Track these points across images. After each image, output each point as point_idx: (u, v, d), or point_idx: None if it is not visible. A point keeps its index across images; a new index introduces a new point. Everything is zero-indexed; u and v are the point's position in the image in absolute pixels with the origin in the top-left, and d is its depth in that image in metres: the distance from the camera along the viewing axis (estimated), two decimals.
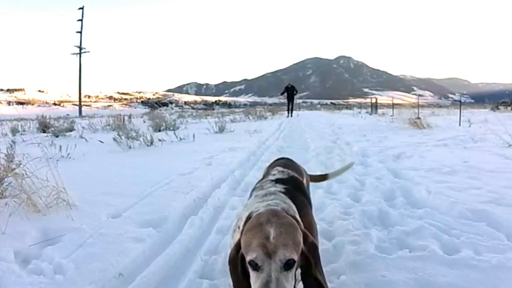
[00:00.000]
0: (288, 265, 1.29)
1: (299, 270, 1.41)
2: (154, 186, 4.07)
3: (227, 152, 6.64)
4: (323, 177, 3.08)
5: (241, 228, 1.52)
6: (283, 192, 1.76)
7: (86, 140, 8.88)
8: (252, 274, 1.31)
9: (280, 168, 2.15)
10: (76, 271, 2.18)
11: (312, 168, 5.24)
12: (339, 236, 2.73)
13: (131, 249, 2.51)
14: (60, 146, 6.29)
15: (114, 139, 7.48)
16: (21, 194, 3.06)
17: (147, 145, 7.53)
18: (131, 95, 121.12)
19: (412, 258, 2.30)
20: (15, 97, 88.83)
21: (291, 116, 21.72)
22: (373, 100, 26.94)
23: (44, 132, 11.62)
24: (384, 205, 3.40)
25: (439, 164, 5.00)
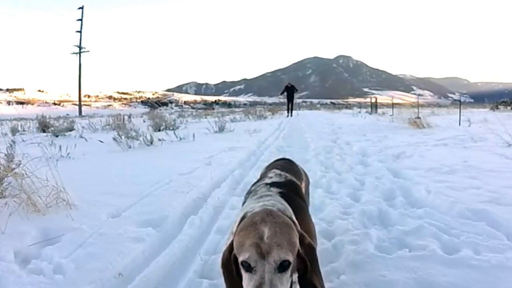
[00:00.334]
0: (282, 266, 1.23)
1: (296, 274, 1.38)
2: (154, 186, 4.07)
3: (227, 151, 6.64)
4: None
5: (234, 229, 1.45)
6: (279, 196, 1.68)
7: (86, 139, 8.88)
8: (245, 275, 1.26)
9: (278, 171, 2.06)
10: (76, 271, 2.18)
11: (312, 168, 5.24)
12: (339, 235, 2.73)
13: (130, 249, 2.52)
14: (60, 146, 6.29)
15: (114, 139, 7.48)
16: (21, 194, 3.06)
17: (147, 145, 7.53)
18: (131, 94, 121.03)
19: (412, 258, 2.30)
20: (15, 96, 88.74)
21: (291, 115, 21.69)
22: (373, 100, 26.94)
23: (44, 131, 11.63)
24: (384, 205, 3.40)
25: (438, 164, 5.00)
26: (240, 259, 1.26)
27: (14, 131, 11.59)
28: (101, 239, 2.62)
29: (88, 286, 2.05)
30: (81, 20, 42.03)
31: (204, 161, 5.68)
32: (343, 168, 5.18)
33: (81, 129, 11.73)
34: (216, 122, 11.24)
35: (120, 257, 2.38)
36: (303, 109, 46.27)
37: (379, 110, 24.20)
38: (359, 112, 25.86)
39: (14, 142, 4.30)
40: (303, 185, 2.18)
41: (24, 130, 12.18)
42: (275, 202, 1.58)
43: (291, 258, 1.25)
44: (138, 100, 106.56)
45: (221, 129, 10.70)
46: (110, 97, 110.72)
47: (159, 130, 10.99)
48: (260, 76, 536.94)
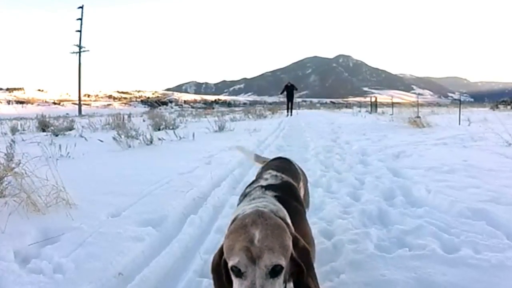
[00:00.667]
0: (274, 271, 1.18)
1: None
2: (154, 185, 4.07)
3: (227, 151, 6.64)
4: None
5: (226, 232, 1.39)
6: (275, 200, 1.61)
7: (85, 139, 8.88)
8: (235, 281, 1.21)
9: (274, 172, 1.98)
10: (76, 271, 2.18)
11: (311, 167, 5.24)
12: (339, 235, 2.73)
13: (130, 248, 2.52)
14: (60, 145, 6.29)
15: (114, 138, 7.49)
16: (20, 193, 3.06)
17: (147, 144, 7.53)
18: (131, 94, 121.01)
19: (412, 257, 2.30)
20: (15, 96, 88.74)
21: (291, 115, 21.66)
22: (373, 99, 26.94)
23: (43, 131, 11.63)
24: (384, 204, 3.40)
25: (438, 163, 5.00)
26: (230, 264, 1.20)
27: (14, 130, 11.60)
28: (101, 239, 2.62)
29: (88, 286, 2.05)
30: (81, 19, 42.04)
31: (204, 160, 5.69)
32: (343, 168, 5.18)
33: (81, 128, 11.74)
34: (216, 121, 11.25)
35: (120, 256, 2.38)
36: (302, 108, 46.30)
37: (379, 110, 24.21)
38: (359, 111, 25.86)
39: (14, 142, 4.31)
40: (301, 185, 2.14)
41: (24, 130, 12.19)
42: (267, 203, 1.53)
43: (283, 262, 1.19)
44: (138, 100, 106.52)
45: (221, 129, 10.70)
46: (110, 97, 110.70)
47: (159, 130, 11.00)
48: (260, 75, 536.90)
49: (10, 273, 2.09)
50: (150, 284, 2.18)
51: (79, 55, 42.07)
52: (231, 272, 1.22)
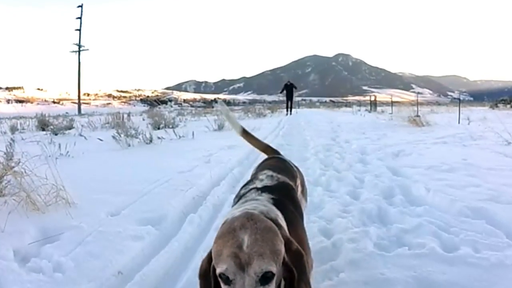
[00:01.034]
0: (265, 278, 1.11)
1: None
2: (153, 184, 4.07)
3: (226, 150, 6.65)
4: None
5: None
6: (270, 202, 1.53)
7: (85, 138, 8.87)
8: None
9: (269, 172, 1.89)
10: (75, 269, 2.18)
11: (311, 166, 5.25)
12: (338, 233, 2.73)
13: (130, 247, 2.52)
14: (59, 144, 6.28)
15: (113, 137, 7.48)
16: (20, 192, 3.05)
17: (146, 143, 7.53)
18: (130, 93, 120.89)
19: (411, 256, 2.30)
20: (14, 95, 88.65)
21: (290, 114, 21.55)
22: (372, 98, 26.95)
23: (43, 130, 11.62)
24: (383, 203, 3.40)
25: (438, 162, 5.00)
26: (218, 271, 1.14)
27: (13, 129, 11.58)
28: (101, 237, 2.62)
29: (88, 285, 2.05)
30: (80, 18, 42.02)
31: (203, 159, 5.69)
32: (342, 166, 5.19)
33: (80, 127, 11.72)
34: (215, 120, 11.24)
35: (119, 255, 2.38)
36: (302, 107, 46.28)
37: (379, 108, 24.22)
38: (359, 110, 25.87)
39: (13, 141, 4.30)
40: (298, 183, 2.09)
41: (23, 129, 12.17)
42: (258, 204, 1.46)
43: (274, 268, 1.12)
44: (138, 99, 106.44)
45: (221, 127, 10.70)
46: (109, 96, 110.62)
47: (159, 128, 10.99)
48: (259, 74, 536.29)
49: (10, 272, 2.09)
50: (150, 283, 2.19)
51: (79, 54, 42.08)
52: (219, 279, 1.16)
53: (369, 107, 25.92)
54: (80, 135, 9.55)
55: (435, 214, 3.03)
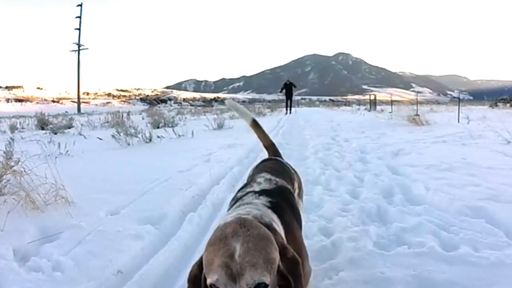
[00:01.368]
0: None
1: None
2: (153, 183, 4.07)
3: (226, 148, 6.65)
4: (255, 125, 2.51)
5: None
6: (267, 206, 1.48)
7: (84, 137, 8.87)
8: None
9: (267, 175, 1.84)
10: (75, 268, 2.18)
11: (311, 165, 5.25)
12: (338, 232, 2.73)
13: (129, 246, 2.52)
14: (59, 143, 6.27)
15: (113, 136, 7.47)
16: (19, 192, 3.05)
17: (146, 142, 7.53)
18: (130, 92, 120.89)
19: (411, 255, 2.30)
20: (14, 94, 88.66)
21: (290, 113, 21.51)
22: (372, 97, 26.96)
23: (42, 129, 11.61)
24: (383, 202, 3.40)
25: (437, 161, 5.00)
26: (208, 281, 1.08)
27: (13, 128, 11.58)
28: (100, 237, 2.62)
29: (87, 284, 2.05)
30: (80, 17, 42.01)
31: (203, 158, 5.68)
32: (342, 165, 5.19)
33: (80, 126, 11.72)
34: (215, 119, 11.24)
35: (119, 254, 2.38)
36: (302, 106, 46.29)
37: (378, 107, 24.25)
38: (358, 109, 25.90)
39: (13, 140, 4.29)
40: (295, 186, 2.05)
41: (23, 128, 12.17)
42: (251, 208, 1.41)
43: (268, 279, 1.06)
44: (137, 98, 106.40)
45: (220, 126, 10.71)
46: (109, 95, 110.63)
47: (158, 127, 10.99)
48: (259, 73, 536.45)
49: (9, 271, 2.09)
50: (150, 282, 2.18)
51: (78, 53, 42.08)
52: None
53: (368, 106, 25.94)
54: (80, 134, 9.55)
55: (434, 213, 3.04)
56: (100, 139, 8.06)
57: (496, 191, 3.50)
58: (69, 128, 11.50)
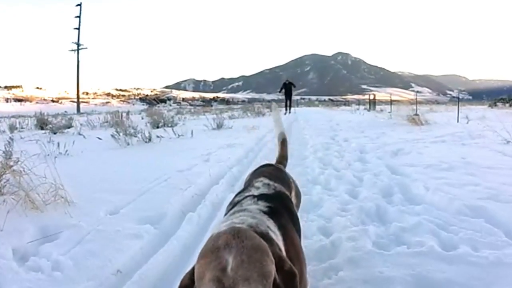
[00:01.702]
0: None
1: None
2: (152, 183, 4.07)
3: (225, 148, 6.65)
4: (282, 142, 2.57)
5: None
6: (264, 212, 1.42)
7: (84, 137, 8.87)
8: None
9: (266, 180, 1.80)
10: (74, 268, 2.18)
11: (310, 164, 5.25)
12: (337, 232, 2.73)
13: (129, 245, 2.52)
14: (58, 143, 6.27)
15: (112, 136, 7.47)
16: (19, 191, 3.05)
17: (145, 142, 7.53)
18: (129, 91, 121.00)
19: (410, 254, 2.30)
20: (13, 94, 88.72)
21: (289, 112, 21.42)
22: (371, 97, 26.96)
23: (42, 129, 11.62)
24: (382, 202, 3.40)
25: (437, 161, 5.00)
26: None
27: (12, 128, 11.58)
28: (100, 236, 2.62)
29: (87, 283, 2.05)
30: (79, 17, 42.00)
31: (202, 158, 5.69)
32: (341, 165, 5.19)
33: (79, 126, 11.72)
34: (214, 119, 11.24)
35: (118, 254, 2.38)
36: (301, 105, 46.31)
37: (378, 107, 24.24)
38: (358, 109, 25.89)
39: (12, 139, 4.29)
40: (293, 194, 2.00)
41: (22, 128, 12.18)
42: (246, 216, 1.34)
43: None
44: (137, 97, 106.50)
45: (220, 126, 10.71)
46: (108, 94, 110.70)
47: (157, 127, 10.99)
48: (258, 73, 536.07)
49: (9, 271, 2.09)
50: (149, 281, 2.18)
51: (78, 53, 42.07)
52: None
53: (368, 106, 25.93)
54: (79, 134, 9.54)
55: (434, 212, 3.04)
56: (100, 139, 8.06)
57: (495, 190, 3.50)
58: (69, 128, 11.49)
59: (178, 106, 55.00)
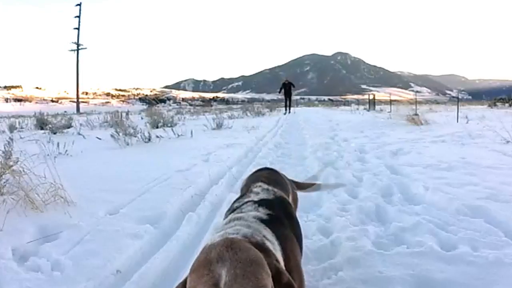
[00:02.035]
0: None
1: None
2: (152, 183, 4.07)
3: (225, 148, 6.65)
4: (314, 186, 2.71)
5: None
6: (262, 220, 1.37)
7: (83, 137, 8.86)
8: None
9: (265, 185, 1.76)
10: (74, 268, 2.18)
11: (310, 164, 5.25)
12: (337, 232, 2.73)
13: (128, 245, 2.52)
14: (58, 143, 6.27)
15: (112, 136, 7.47)
16: (18, 191, 3.05)
17: (145, 142, 7.52)
18: (129, 91, 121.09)
19: (410, 254, 2.30)
20: (13, 94, 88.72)
21: (289, 112, 21.38)
22: (371, 97, 26.95)
23: (41, 129, 11.61)
24: (382, 201, 3.40)
25: (436, 160, 5.01)
26: None
27: (12, 128, 11.58)
28: (99, 236, 2.62)
29: (86, 283, 2.05)
30: (78, 17, 41.98)
31: (202, 157, 5.69)
32: (341, 165, 5.19)
33: (79, 126, 11.70)
34: (214, 119, 11.24)
35: (118, 254, 2.38)
36: (301, 105, 46.31)
37: (377, 107, 24.23)
38: (357, 109, 25.88)
39: (12, 139, 4.29)
40: (290, 199, 1.96)
41: (22, 127, 12.17)
42: (241, 226, 1.28)
43: None
44: (136, 97, 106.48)
45: (219, 126, 10.70)
46: (108, 94, 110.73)
47: (157, 127, 10.98)
48: (258, 73, 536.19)
49: (8, 271, 2.09)
50: (148, 281, 2.18)
51: (77, 53, 42.05)
52: None
53: (367, 106, 25.92)
54: (79, 134, 9.53)
55: (433, 212, 3.04)
56: (99, 138, 8.05)
57: (495, 190, 3.50)
58: (68, 128, 11.48)
59: (177, 106, 54.98)
